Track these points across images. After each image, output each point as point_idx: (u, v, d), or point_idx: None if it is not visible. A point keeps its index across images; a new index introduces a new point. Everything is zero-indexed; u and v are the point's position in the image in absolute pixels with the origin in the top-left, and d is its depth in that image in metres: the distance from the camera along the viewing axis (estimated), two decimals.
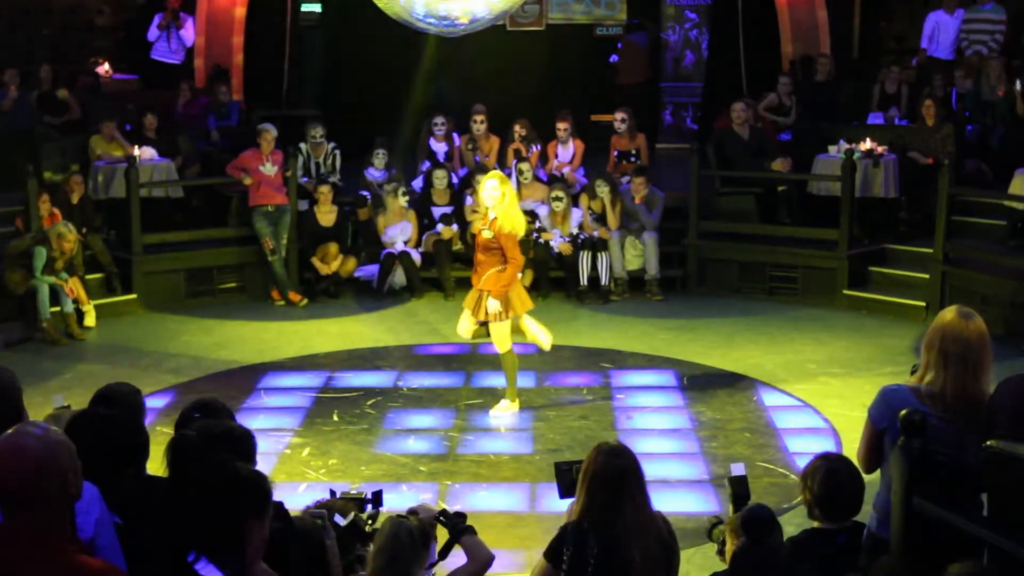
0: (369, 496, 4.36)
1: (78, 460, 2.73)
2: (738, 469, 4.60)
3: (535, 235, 11.18)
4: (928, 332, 4.03)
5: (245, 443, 3.68)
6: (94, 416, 3.75)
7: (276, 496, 3.78)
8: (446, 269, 11.33)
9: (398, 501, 5.75)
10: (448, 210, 11.53)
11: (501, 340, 8.04)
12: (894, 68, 12.82)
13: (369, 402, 8.45)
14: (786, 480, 6.93)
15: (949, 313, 4.01)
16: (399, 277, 11.28)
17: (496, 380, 8.84)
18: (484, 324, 8.10)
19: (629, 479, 3.91)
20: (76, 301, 10.08)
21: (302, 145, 11.92)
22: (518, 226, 7.92)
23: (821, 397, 8.43)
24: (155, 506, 3.28)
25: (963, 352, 3.90)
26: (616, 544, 3.87)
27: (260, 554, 3.00)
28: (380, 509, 4.35)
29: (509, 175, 11.70)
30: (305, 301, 11.10)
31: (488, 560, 4.13)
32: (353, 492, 4.44)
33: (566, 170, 11.90)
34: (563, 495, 4.33)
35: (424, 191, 11.72)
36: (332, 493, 4.43)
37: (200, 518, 2.90)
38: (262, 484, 3.05)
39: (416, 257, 11.32)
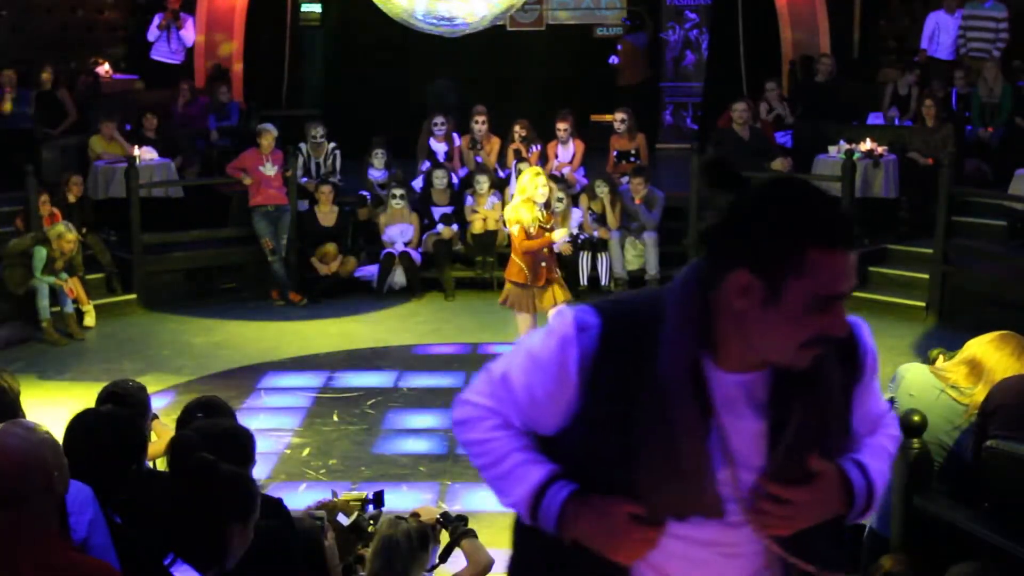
0: (371, 496, 4.36)
1: (64, 458, 2.73)
2: None
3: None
4: (990, 358, 3.94)
5: (244, 443, 3.68)
6: (106, 414, 3.75)
7: (276, 496, 3.78)
8: (446, 270, 11.33)
9: (398, 501, 5.75)
10: (448, 210, 11.53)
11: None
12: (909, 73, 12.72)
13: (369, 402, 8.45)
14: None
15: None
16: (399, 277, 11.27)
17: None
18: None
19: None
20: (76, 301, 10.08)
21: (302, 145, 11.91)
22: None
23: None
24: (150, 504, 3.28)
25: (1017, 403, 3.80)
26: None
27: (239, 556, 2.97)
28: (382, 509, 4.36)
29: (509, 176, 11.75)
30: (305, 301, 11.09)
31: (488, 564, 4.11)
32: (354, 492, 4.44)
33: (566, 170, 11.89)
34: None
35: (424, 191, 11.72)
36: (334, 494, 4.43)
37: (181, 519, 2.89)
38: (246, 487, 3.03)
39: (416, 257, 11.32)
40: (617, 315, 2.07)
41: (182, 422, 4.05)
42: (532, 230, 7.72)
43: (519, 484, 2.11)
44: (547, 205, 7.90)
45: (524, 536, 2.23)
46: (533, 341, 2.15)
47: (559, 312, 2.13)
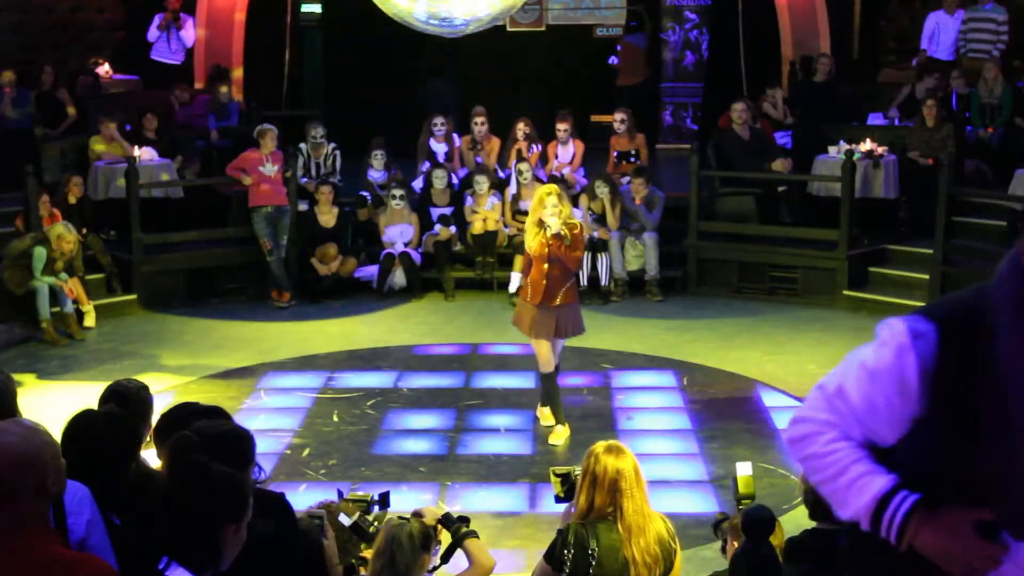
0: (376, 497, 4.36)
1: (61, 459, 2.73)
2: (744, 468, 4.57)
3: None
4: None
5: (244, 444, 3.67)
6: (105, 415, 3.74)
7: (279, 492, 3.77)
8: (446, 270, 11.33)
9: (398, 501, 5.75)
10: (447, 211, 11.52)
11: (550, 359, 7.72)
12: (928, 77, 12.53)
13: (369, 402, 8.45)
14: (786, 481, 6.93)
15: None
16: (399, 277, 11.27)
17: (495, 381, 8.85)
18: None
19: (627, 479, 3.90)
20: (76, 301, 10.08)
21: (302, 145, 11.91)
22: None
23: None
24: (147, 504, 3.27)
25: None
26: (616, 545, 3.87)
27: (234, 556, 2.96)
28: (387, 510, 4.36)
29: (509, 176, 11.75)
30: (293, 303, 11.02)
31: (490, 566, 4.11)
32: (358, 493, 4.45)
33: (566, 171, 11.89)
34: (559, 500, 4.34)
35: (424, 191, 11.72)
36: (340, 494, 4.44)
37: (174, 521, 2.88)
38: (239, 487, 3.02)
39: (416, 258, 11.31)
40: (950, 316, 2.06)
41: (161, 432, 4.03)
42: (533, 254, 7.42)
43: (861, 494, 2.10)
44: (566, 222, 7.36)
45: (862, 553, 2.23)
46: (865, 353, 2.14)
47: (887, 323, 2.10)
